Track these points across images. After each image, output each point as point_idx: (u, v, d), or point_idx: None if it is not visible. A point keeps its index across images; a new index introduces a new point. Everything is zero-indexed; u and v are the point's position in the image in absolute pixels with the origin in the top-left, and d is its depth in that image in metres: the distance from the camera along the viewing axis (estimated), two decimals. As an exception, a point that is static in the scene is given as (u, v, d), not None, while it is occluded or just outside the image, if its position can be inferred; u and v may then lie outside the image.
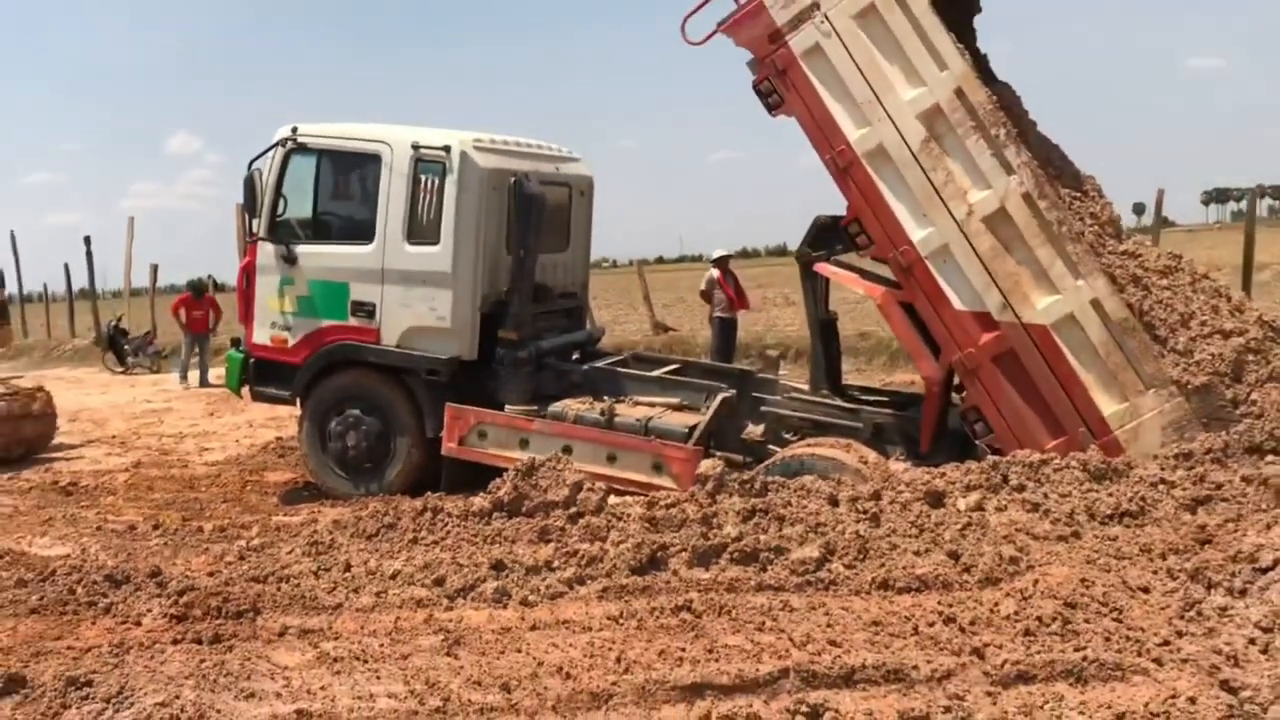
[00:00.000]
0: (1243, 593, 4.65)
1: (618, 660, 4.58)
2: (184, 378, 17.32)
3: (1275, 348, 6.92)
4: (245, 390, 9.06)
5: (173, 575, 5.83)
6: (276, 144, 8.54)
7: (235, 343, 9.30)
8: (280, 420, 12.93)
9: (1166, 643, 4.38)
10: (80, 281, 25.76)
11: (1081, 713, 3.85)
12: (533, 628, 5.09)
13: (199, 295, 17.93)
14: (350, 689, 4.45)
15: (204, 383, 17.15)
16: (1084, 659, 4.27)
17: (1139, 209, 47.76)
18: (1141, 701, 3.91)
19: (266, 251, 8.63)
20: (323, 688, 4.46)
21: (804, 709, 3.49)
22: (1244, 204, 27.45)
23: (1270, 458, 6.27)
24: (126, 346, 19.99)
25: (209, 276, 19.17)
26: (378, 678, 4.57)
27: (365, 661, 4.74)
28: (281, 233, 8.63)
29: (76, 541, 7.48)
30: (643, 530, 5.94)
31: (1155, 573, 5.12)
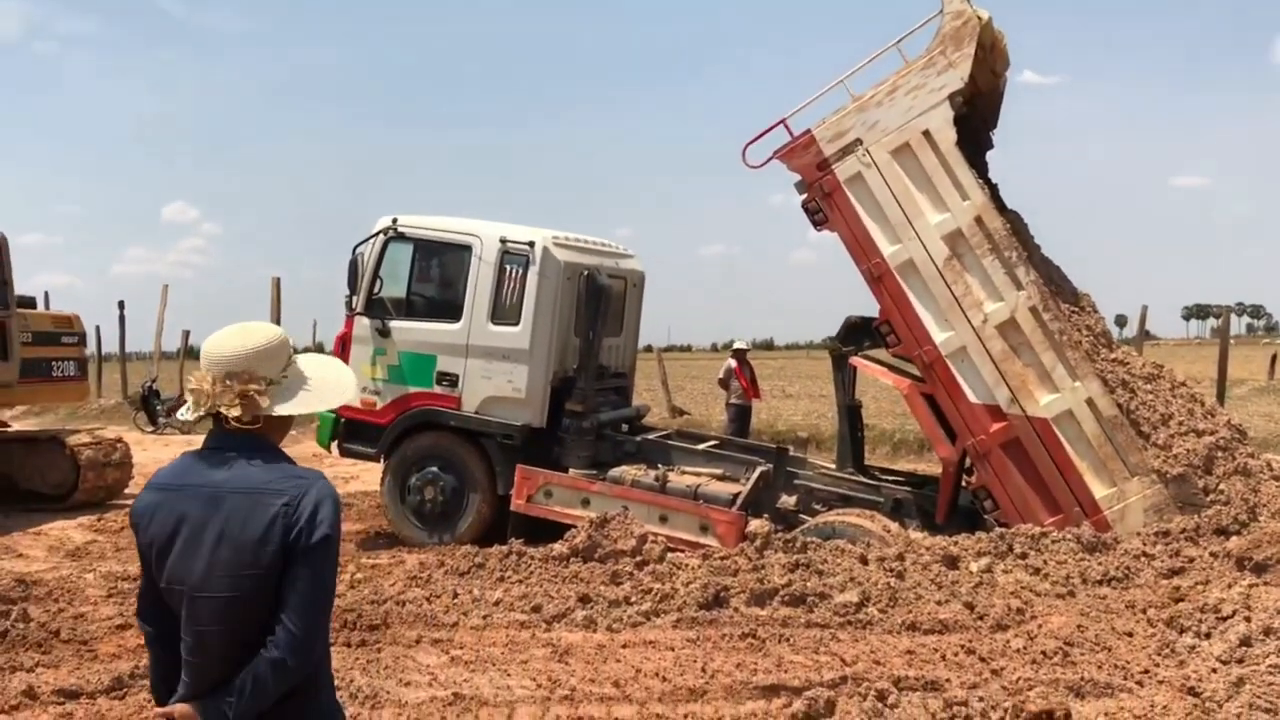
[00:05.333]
0: (1207, 635, 5.75)
1: (703, 669, 5.63)
2: None
3: (1241, 447, 8.10)
4: (334, 445, 10.11)
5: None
6: (378, 232, 9.71)
7: None
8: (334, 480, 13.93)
9: (1147, 671, 5.48)
10: (109, 344, 26.74)
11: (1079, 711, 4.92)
12: (624, 646, 6.12)
13: None
14: (489, 681, 5.48)
15: None
16: (1081, 679, 5.36)
17: (1121, 321, 49.01)
18: (1129, 708, 4.99)
19: (363, 325, 9.74)
20: (465, 680, 5.49)
21: (874, 692, 4.52)
22: (1222, 320, 28.66)
23: (1235, 539, 7.38)
24: (159, 407, 20.91)
25: None
26: (508, 674, 5.60)
27: (493, 664, 5.77)
28: (376, 309, 9.76)
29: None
30: (707, 574, 7.01)
31: (1138, 622, 6.23)
